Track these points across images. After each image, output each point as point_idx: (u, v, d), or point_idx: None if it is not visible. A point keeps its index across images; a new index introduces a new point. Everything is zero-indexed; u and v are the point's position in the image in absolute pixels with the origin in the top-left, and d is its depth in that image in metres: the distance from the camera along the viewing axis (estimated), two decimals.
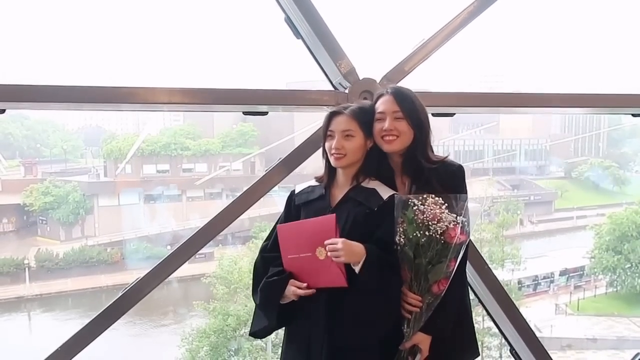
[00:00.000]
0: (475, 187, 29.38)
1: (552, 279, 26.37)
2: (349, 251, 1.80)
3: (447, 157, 2.00)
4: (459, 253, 1.83)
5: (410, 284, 1.85)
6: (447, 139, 32.75)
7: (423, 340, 1.89)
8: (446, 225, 1.78)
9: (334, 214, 1.87)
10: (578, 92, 2.82)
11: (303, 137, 2.59)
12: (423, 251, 1.81)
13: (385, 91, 2.00)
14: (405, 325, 1.87)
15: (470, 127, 36.41)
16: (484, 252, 21.97)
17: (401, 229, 1.82)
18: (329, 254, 1.81)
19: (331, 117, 1.98)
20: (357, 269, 1.82)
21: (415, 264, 1.83)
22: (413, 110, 1.95)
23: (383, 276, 1.83)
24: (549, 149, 39.18)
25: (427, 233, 1.79)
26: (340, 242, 1.80)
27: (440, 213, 1.78)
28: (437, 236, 1.79)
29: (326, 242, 1.82)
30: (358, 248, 1.82)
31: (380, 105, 1.97)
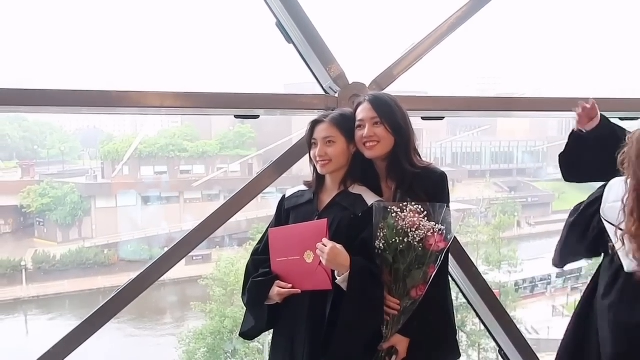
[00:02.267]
0: (472, 189, 29.45)
1: (549, 280, 26.42)
2: (333, 259, 1.84)
3: (431, 163, 2.04)
4: (438, 259, 1.87)
5: (390, 287, 1.90)
6: (444, 140, 32.83)
7: (400, 342, 1.94)
8: (424, 233, 1.83)
9: (326, 219, 1.92)
10: (566, 97, 2.86)
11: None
12: (402, 257, 1.85)
13: (363, 99, 2.05)
14: (384, 327, 1.92)
15: (467, 129, 36.49)
16: (481, 254, 22.01)
17: (381, 234, 1.87)
18: (317, 252, 1.86)
19: (313, 126, 2.04)
20: (339, 280, 1.86)
21: (395, 268, 1.87)
22: (391, 116, 1.99)
23: (367, 290, 1.87)
24: (547, 150, 39.26)
25: (405, 240, 1.83)
26: (328, 248, 1.84)
27: (419, 221, 1.83)
28: (416, 243, 1.83)
29: (319, 244, 1.86)
30: (343, 260, 1.85)
31: (359, 113, 2.02)
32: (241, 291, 2.10)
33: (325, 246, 1.84)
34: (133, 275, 2.61)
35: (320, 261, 1.87)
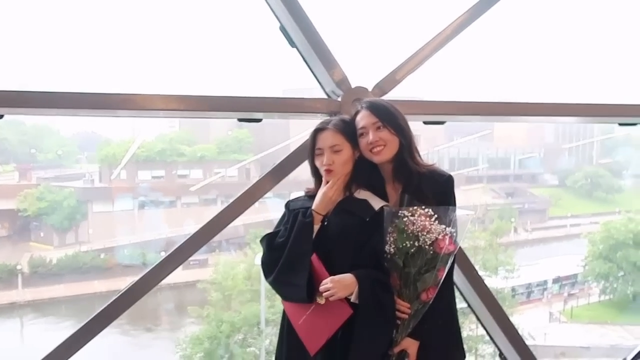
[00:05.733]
0: (469, 195, 29.49)
1: (545, 286, 26.43)
2: (341, 286, 1.84)
3: (435, 163, 2.05)
4: (447, 262, 1.89)
5: (400, 291, 1.90)
6: (441, 146, 32.88)
7: (411, 345, 1.95)
8: (435, 237, 1.83)
9: (314, 253, 1.91)
10: (566, 102, 2.87)
11: (298, 144, 2.62)
12: (412, 260, 1.86)
13: (360, 107, 2.05)
14: (395, 331, 1.92)
15: (464, 135, 36.57)
16: (478, 260, 22.02)
17: (391, 239, 1.87)
18: (324, 294, 1.85)
19: (316, 134, 2.02)
20: (353, 298, 1.87)
21: (405, 272, 1.88)
22: (391, 118, 2.01)
23: (379, 297, 1.87)
24: (543, 157, 39.42)
25: (416, 243, 1.84)
26: (329, 282, 1.84)
27: (430, 224, 1.84)
28: (426, 246, 1.84)
29: (320, 288, 1.86)
30: (349, 280, 1.85)
31: (360, 121, 2.03)
32: (265, 272, 2.01)
33: (326, 284, 1.84)
34: (129, 279, 2.61)
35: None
